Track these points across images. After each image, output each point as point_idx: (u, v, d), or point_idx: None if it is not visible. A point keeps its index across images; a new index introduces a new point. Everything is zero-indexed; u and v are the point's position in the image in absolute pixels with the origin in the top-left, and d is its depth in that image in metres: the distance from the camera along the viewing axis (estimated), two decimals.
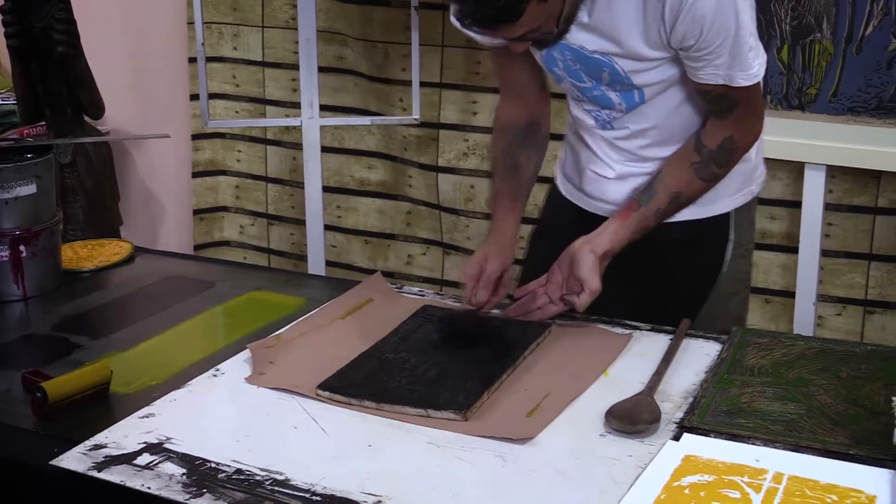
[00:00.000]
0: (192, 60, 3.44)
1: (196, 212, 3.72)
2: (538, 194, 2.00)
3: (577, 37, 1.63)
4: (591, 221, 1.77)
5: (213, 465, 1.31)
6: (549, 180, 2.02)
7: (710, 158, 1.69)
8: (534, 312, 1.71)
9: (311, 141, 3.02)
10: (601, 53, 1.64)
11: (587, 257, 1.65)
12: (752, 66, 1.61)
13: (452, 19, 1.57)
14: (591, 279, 1.64)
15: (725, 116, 1.67)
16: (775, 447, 1.33)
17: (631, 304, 1.74)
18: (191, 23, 3.33)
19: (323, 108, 3.10)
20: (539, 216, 2.05)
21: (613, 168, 1.80)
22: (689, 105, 1.72)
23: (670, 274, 1.81)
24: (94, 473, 1.29)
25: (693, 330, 1.69)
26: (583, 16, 1.60)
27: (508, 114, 1.88)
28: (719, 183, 1.74)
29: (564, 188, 1.94)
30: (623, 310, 1.74)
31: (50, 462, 1.32)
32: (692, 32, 1.56)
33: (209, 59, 3.38)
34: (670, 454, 1.31)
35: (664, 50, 1.62)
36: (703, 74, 1.62)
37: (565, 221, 1.90)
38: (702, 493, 1.22)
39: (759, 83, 1.65)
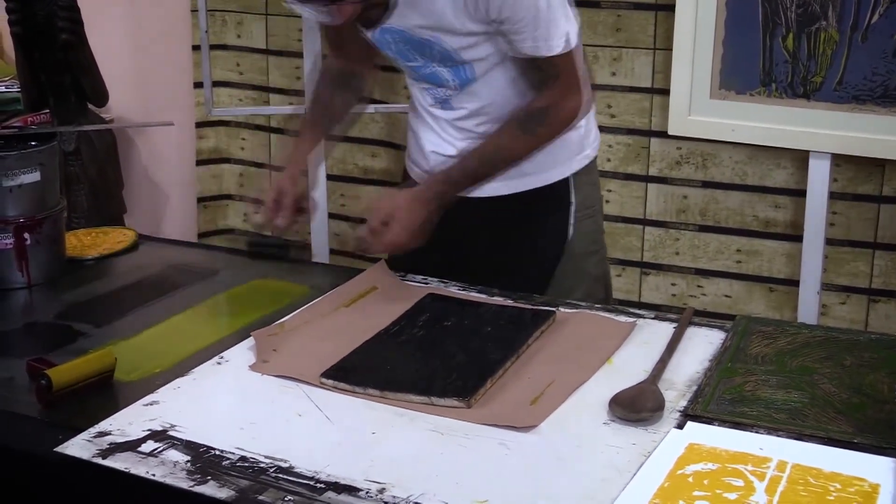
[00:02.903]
0: (196, 48, 3.43)
1: (200, 200, 3.72)
2: None
3: (401, 19, 1.71)
4: None
5: (217, 452, 1.31)
6: None
7: (530, 117, 1.79)
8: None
9: None
10: (427, 31, 1.72)
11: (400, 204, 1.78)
12: (553, 38, 1.70)
13: None
14: (393, 227, 1.75)
15: (543, 89, 1.77)
16: (779, 435, 1.33)
17: (487, 274, 1.84)
18: (194, 10, 3.32)
19: None
20: None
21: (455, 146, 1.88)
22: (523, 81, 1.80)
23: (521, 242, 1.90)
24: (99, 460, 1.30)
25: (554, 297, 1.79)
26: None
27: (334, 63, 2.03)
28: (554, 151, 1.85)
29: (413, 173, 2.00)
30: (480, 280, 1.82)
31: (54, 449, 1.32)
32: (503, 5, 1.65)
33: (213, 47, 3.37)
34: (674, 442, 1.31)
35: (484, 24, 1.69)
36: (516, 46, 1.72)
37: None
38: (705, 482, 1.22)
39: (571, 57, 1.75)
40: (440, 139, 1.90)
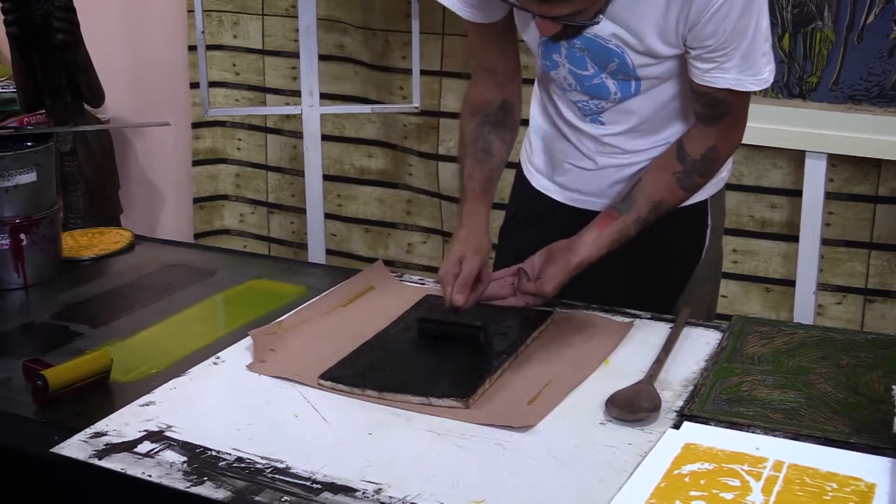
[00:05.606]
0: (192, 48, 3.43)
1: (196, 200, 3.72)
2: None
3: (597, 27, 1.57)
4: (566, 212, 1.81)
5: (213, 452, 1.31)
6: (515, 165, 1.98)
7: (692, 168, 1.69)
8: (497, 301, 1.71)
9: (312, 129, 3.02)
10: (616, 44, 1.61)
11: (559, 263, 1.65)
12: (763, 72, 1.60)
13: None
14: (548, 282, 1.65)
15: (713, 123, 1.66)
16: (775, 435, 1.33)
17: (614, 293, 1.75)
18: (191, 11, 3.33)
19: (323, 96, 3.10)
20: (507, 212, 2.01)
21: (595, 160, 1.79)
22: (678, 101, 1.71)
23: (653, 263, 1.80)
24: (95, 461, 1.30)
25: (669, 315, 1.71)
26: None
27: (481, 94, 1.80)
28: None
29: (535, 180, 1.91)
30: (607, 299, 1.75)
31: (50, 450, 1.32)
32: (715, 32, 1.54)
33: (209, 48, 3.38)
34: (670, 442, 1.31)
35: (677, 48, 1.60)
36: (709, 77, 1.60)
37: (538, 213, 1.90)
38: (702, 482, 1.22)
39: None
40: (578, 153, 1.80)
